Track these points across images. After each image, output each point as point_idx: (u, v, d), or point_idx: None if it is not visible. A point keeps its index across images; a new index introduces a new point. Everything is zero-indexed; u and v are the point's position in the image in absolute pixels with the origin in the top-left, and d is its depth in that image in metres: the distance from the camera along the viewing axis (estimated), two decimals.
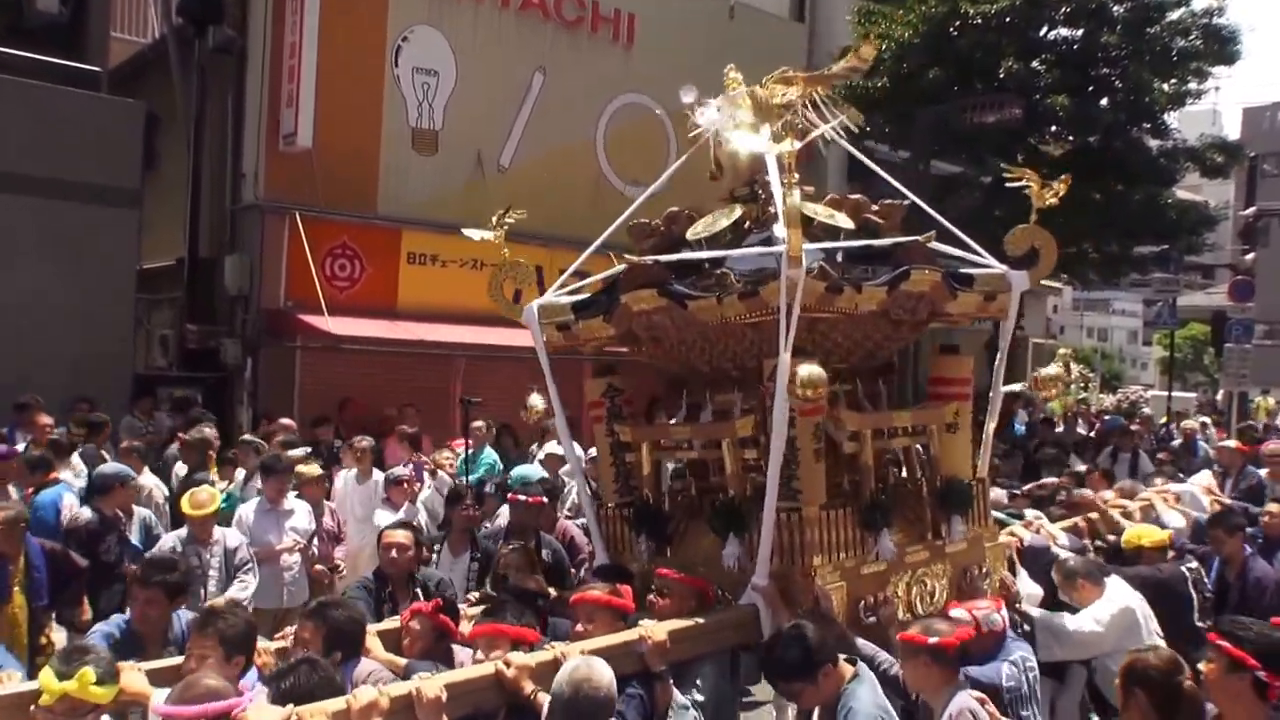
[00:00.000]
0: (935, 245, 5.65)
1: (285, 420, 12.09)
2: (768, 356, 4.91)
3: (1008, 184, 5.93)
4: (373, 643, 4.74)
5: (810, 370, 4.44)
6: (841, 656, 4.24)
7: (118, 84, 14.39)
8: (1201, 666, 3.84)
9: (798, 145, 5.05)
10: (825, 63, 16.79)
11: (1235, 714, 3.77)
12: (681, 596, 4.92)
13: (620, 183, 15.32)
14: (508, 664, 4.00)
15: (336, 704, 3.53)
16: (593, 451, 7.02)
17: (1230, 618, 4.33)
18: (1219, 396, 21.45)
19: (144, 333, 15.80)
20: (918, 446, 5.73)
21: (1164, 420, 20.15)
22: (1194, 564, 6.78)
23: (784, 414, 4.76)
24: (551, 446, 9.90)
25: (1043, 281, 23.17)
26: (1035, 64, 15.96)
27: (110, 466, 8.44)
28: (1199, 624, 6.43)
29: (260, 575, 7.65)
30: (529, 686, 3.98)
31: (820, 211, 5.46)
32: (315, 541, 8.51)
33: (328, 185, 14.06)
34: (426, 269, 14.76)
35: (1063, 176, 5.91)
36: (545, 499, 7.57)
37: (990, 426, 5.93)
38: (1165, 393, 25.40)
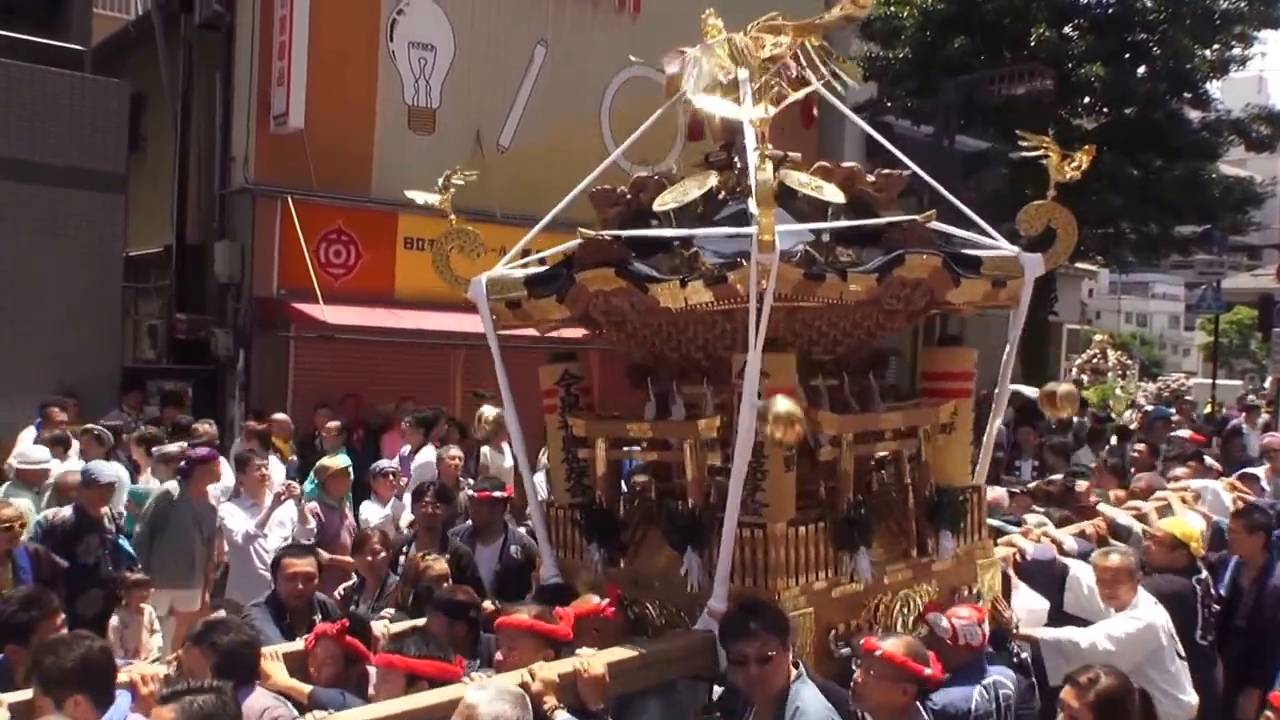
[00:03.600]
0: (939, 226, 4.99)
1: (279, 416, 11.65)
2: (741, 349, 4.26)
3: (1025, 154, 5.27)
4: (274, 668, 4.24)
5: (786, 407, 3.82)
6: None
7: (101, 63, 13.91)
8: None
9: (773, 111, 4.36)
10: (862, 46, 16.19)
11: None
12: (609, 633, 4.38)
13: (627, 163, 14.58)
14: (533, 675, 3.73)
15: None
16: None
17: None
18: (1266, 384, 20.46)
19: (131, 323, 15.40)
20: (906, 451, 5.01)
21: (1207, 409, 19.23)
22: (1204, 575, 6.10)
23: (751, 419, 4.11)
24: (455, 449, 9.48)
25: (1077, 265, 22.40)
26: (1068, 30, 15.12)
27: (98, 464, 8.18)
28: (1201, 641, 5.86)
29: (248, 572, 7.50)
30: (550, 701, 3.69)
31: (806, 182, 4.79)
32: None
33: (321, 167, 13.49)
34: (424, 255, 13.83)
35: (1085, 147, 5.23)
36: (503, 493, 7.14)
37: (994, 426, 5.27)
38: (1209, 380, 24.40)
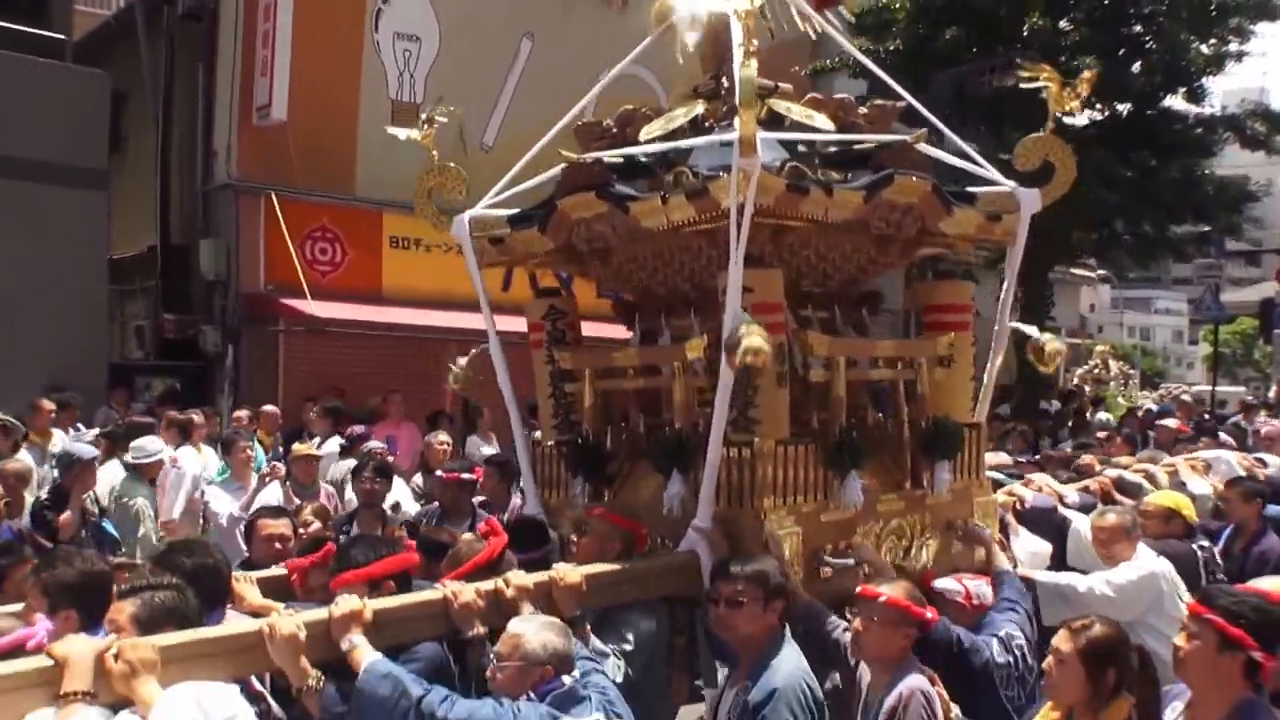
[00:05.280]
0: (934, 152, 4.83)
1: (269, 407, 11.40)
2: (726, 270, 4.10)
3: (1023, 85, 5.08)
4: (247, 590, 4.09)
5: (756, 342, 3.77)
6: None
7: (80, 59, 13.55)
8: (1179, 641, 3.28)
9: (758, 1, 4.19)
10: (845, 26, 16.08)
11: (1217, 695, 3.21)
12: (604, 537, 4.37)
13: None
14: (508, 583, 3.72)
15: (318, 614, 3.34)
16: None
17: (1217, 587, 3.72)
18: (1271, 393, 20.27)
19: (118, 325, 15.08)
20: (903, 383, 4.84)
21: (1208, 414, 19.02)
22: (1205, 543, 5.95)
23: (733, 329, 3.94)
24: (444, 435, 9.34)
25: (1073, 270, 22.21)
26: (1063, 23, 14.96)
27: (76, 444, 8.17)
28: None
29: (233, 553, 7.13)
30: (527, 609, 3.65)
31: (795, 110, 4.69)
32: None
33: (304, 163, 13.26)
34: (410, 253, 14.01)
35: (1086, 74, 5.08)
36: (471, 475, 6.97)
37: (995, 364, 5.11)
38: (1209, 387, 24.20)
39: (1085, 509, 5.89)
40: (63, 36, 12.83)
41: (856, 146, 4.65)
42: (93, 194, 12.57)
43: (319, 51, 13.29)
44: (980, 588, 4.25)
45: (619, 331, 5.45)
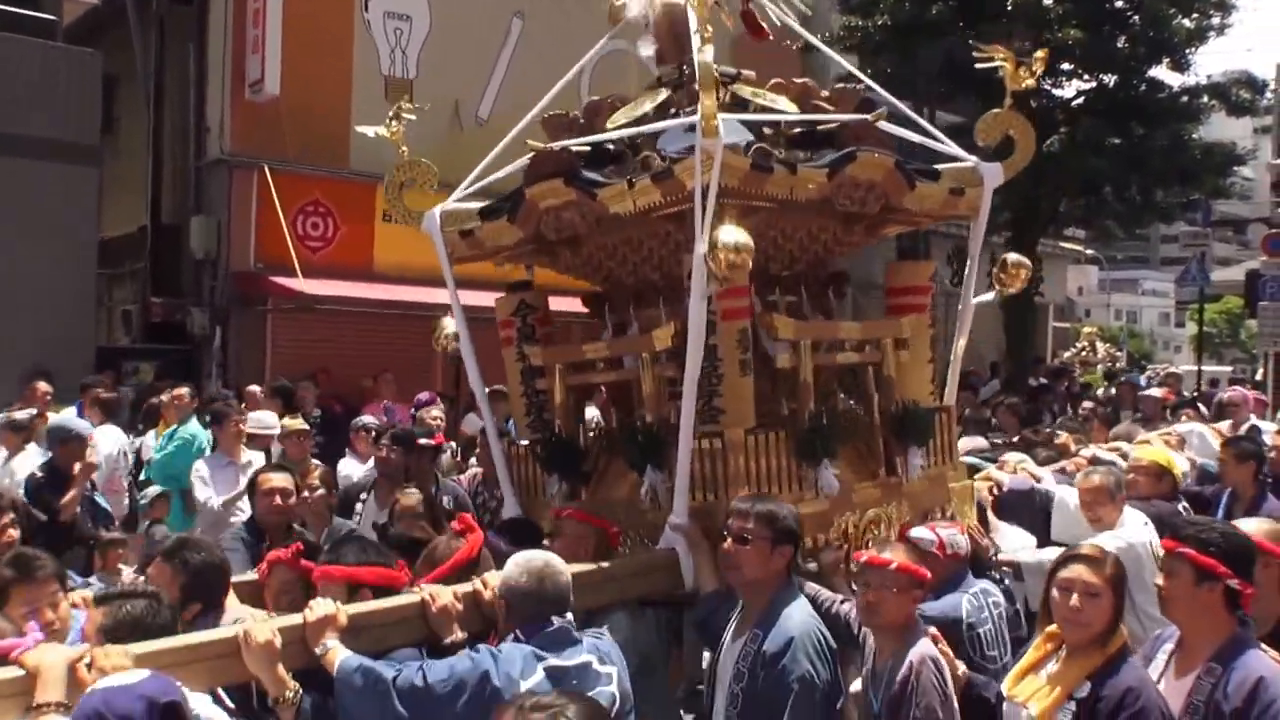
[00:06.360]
0: (896, 130, 4.93)
1: (254, 388, 11.32)
2: (691, 254, 4.12)
3: (978, 65, 5.19)
4: (228, 599, 3.99)
5: (735, 236, 3.71)
6: None
7: (72, 43, 13.66)
8: (1159, 581, 3.39)
9: None
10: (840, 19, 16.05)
11: (1202, 629, 3.30)
12: (576, 538, 4.25)
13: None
14: (485, 585, 3.63)
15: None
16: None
17: (1185, 520, 3.74)
18: (1259, 375, 20.33)
19: (105, 310, 15.08)
20: (871, 368, 4.86)
21: (1195, 393, 19.10)
22: (1185, 505, 5.89)
23: (701, 316, 4.03)
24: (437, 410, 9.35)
25: (1061, 244, 22.19)
26: None
27: (60, 420, 7.89)
28: None
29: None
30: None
31: (759, 94, 4.77)
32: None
33: (297, 137, 13.35)
34: (403, 228, 13.86)
35: (1040, 52, 5.18)
36: (431, 441, 7.01)
37: (959, 345, 5.14)
38: (1195, 367, 24.31)
39: None
40: (54, 18, 12.94)
41: (820, 128, 4.67)
42: (85, 170, 12.70)
43: (310, 29, 13.37)
44: (954, 537, 4.12)
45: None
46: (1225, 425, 8.55)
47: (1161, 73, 16.20)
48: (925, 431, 4.79)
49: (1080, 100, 16.18)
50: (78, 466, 7.17)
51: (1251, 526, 3.74)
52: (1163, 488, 5.81)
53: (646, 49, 5.02)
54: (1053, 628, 3.45)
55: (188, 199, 14.01)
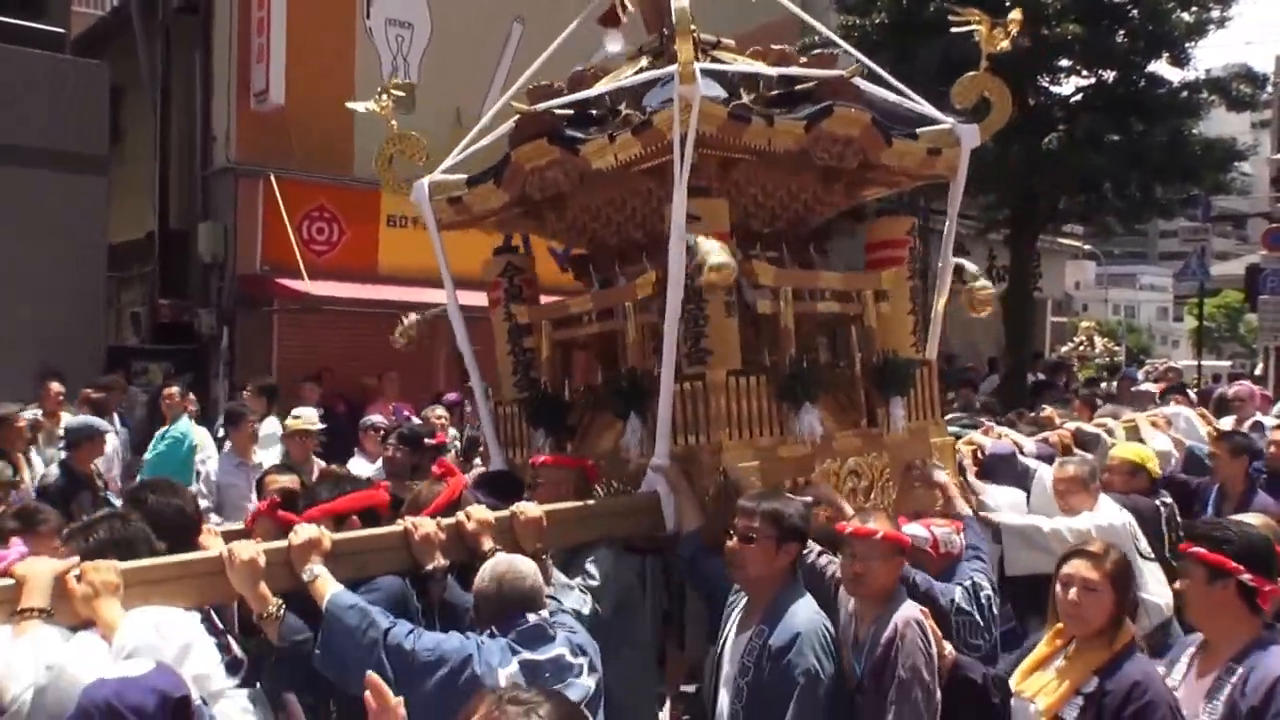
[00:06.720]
0: (873, 89, 5.03)
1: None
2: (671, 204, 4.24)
3: (954, 29, 5.29)
4: (212, 542, 3.99)
5: (721, 257, 3.84)
6: None
7: (78, 55, 13.84)
8: (1178, 586, 3.42)
9: None
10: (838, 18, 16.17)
11: (1222, 630, 3.27)
12: (555, 482, 4.35)
13: None
14: (469, 517, 3.75)
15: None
16: None
17: (1199, 521, 3.76)
18: (1258, 370, 20.28)
19: (114, 312, 15.27)
20: (853, 327, 4.98)
21: (1195, 388, 19.06)
22: (1168, 499, 5.83)
23: (680, 261, 4.12)
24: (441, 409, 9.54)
25: (1060, 240, 21.94)
26: None
27: (79, 420, 7.94)
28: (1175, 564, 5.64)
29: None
30: (488, 544, 3.67)
31: (738, 60, 4.92)
32: None
33: (302, 145, 13.48)
34: (407, 231, 14.03)
35: (1014, 16, 5.24)
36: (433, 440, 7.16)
37: (940, 303, 5.23)
38: (1195, 362, 24.23)
39: (1043, 459, 5.82)
40: (61, 30, 13.12)
41: (798, 88, 4.78)
42: (93, 179, 12.81)
43: (313, 38, 13.49)
44: (949, 536, 4.15)
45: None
46: (1229, 420, 8.44)
47: (1161, 67, 16.19)
48: (905, 381, 4.86)
49: (1079, 96, 16.19)
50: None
51: (1255, 518, 3.78)
52: (1137, 484, 5.75)
53: (614, 45, 5.14)
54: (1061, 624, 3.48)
55: (195, 205, 14.15)
